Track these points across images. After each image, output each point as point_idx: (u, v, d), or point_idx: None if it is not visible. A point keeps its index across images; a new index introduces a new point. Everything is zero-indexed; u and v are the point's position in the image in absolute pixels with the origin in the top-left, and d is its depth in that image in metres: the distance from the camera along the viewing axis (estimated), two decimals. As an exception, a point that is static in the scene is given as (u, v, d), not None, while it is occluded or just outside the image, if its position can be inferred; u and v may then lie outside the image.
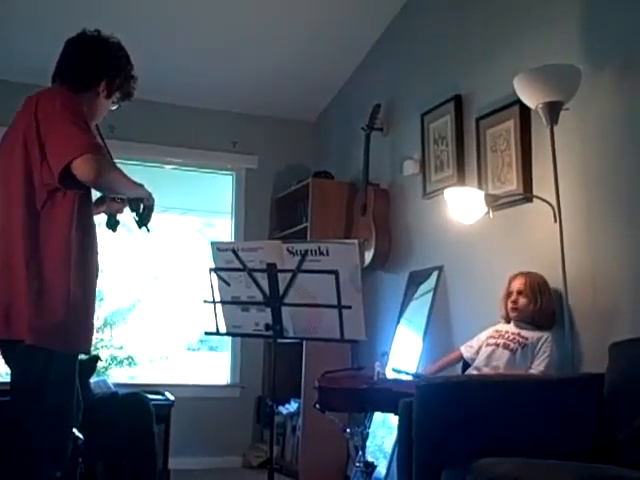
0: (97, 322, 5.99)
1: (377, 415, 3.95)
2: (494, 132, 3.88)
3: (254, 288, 2.69)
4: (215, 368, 6.09)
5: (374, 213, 4.90)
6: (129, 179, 2.56)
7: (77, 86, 2.55)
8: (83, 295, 2.41)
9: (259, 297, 2.70)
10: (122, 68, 2.68)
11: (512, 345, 3.29)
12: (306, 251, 2.56)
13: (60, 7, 4.56)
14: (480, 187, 3.88)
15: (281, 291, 2.65)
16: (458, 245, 4.11)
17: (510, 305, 3.37)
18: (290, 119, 6.22)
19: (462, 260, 4.11)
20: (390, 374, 3.52)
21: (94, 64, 2.61)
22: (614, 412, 2.61)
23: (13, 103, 2.61)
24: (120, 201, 2.73)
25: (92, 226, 2.52)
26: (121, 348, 6.17)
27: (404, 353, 4.28)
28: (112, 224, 2.76)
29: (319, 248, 2.54)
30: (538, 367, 3.19)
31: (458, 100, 4.26)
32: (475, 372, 3.38)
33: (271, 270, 2.63)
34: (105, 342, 6.12)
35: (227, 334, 2.88)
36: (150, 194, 2.67)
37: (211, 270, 2.76)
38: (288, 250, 2.59)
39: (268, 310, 2.70)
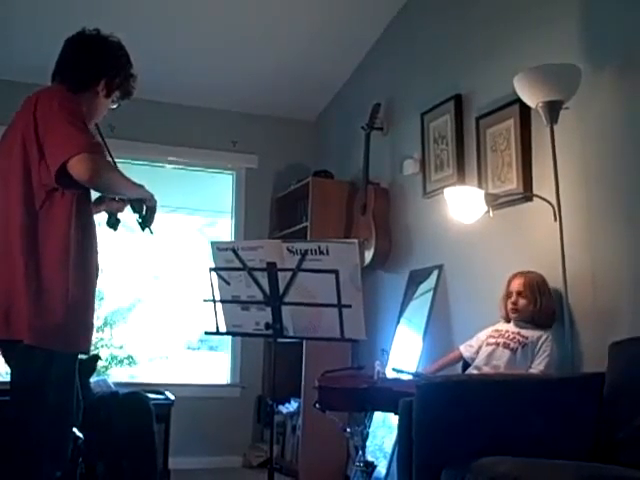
0: (97, 321, 5.99)
1: (377, 415, 3.95)
2: (494, 131, 3.88)
3: (254, 287, 2.69)
4: (215, 367, 6.09)
5: (374, 212, 4.89)
6: (128, 180, 2.55)
7: (76, 85, 2.55)
8: (83, 295, 2.41)
9: (259, 296, 2.70)
10: (121, 67, 2.68)
11: (512, 344, 3.29)
12: (306, 250, 2.56)
13: (60, 7, 4.56)
14: (480, 186, 3.88)
15: (281, 290, 2.65)
16: (458, 244, 4.11)
17: (510, 306, 3.37)
18: (290, 118, 6.22)
19: (462, 259, 4.11)
20: (390, 373, 3.52)
21: (93, 63, 2.60)
22: (614, 411, 2.61)
23: (13, 102, 2.60)
24: (120, 200, 2.73)
25: (91, 225, 2.52)
26: (121, 347, 6.17)
27: (404, 352, 4.28)
28: (113, 223, 2.75)
29: (319, 247, 2.54)
30: (538, 366, 3.19)
31: (458, 99, 4.26)
32: (475, 371, 3.38)
33: (271, 269, 2.64)
34: (105, 341, 6.12)
35: (227, 333, 2.89)
36: (152, 195, 2.65)
37: (211, 269, 2.76)
38: (288, 249, 2.59)
39: (268, 309, 2.70)
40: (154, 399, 4.50)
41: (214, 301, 2.78)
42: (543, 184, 3.48)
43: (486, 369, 3.33)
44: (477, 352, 3.48)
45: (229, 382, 5.89)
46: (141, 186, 2.61)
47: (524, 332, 3.30)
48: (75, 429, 2.55)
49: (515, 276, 3.40)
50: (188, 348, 6.43)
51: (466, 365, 3.57)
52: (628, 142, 3.13)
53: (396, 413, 2.84)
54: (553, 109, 3.14)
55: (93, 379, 4.44)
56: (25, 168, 2.39)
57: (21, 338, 2.31)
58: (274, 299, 2.67)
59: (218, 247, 2.76)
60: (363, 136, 5.03)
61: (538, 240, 3.51)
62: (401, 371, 3.52)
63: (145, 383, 5.32)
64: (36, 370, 2.33)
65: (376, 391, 3.04)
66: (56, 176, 2.31)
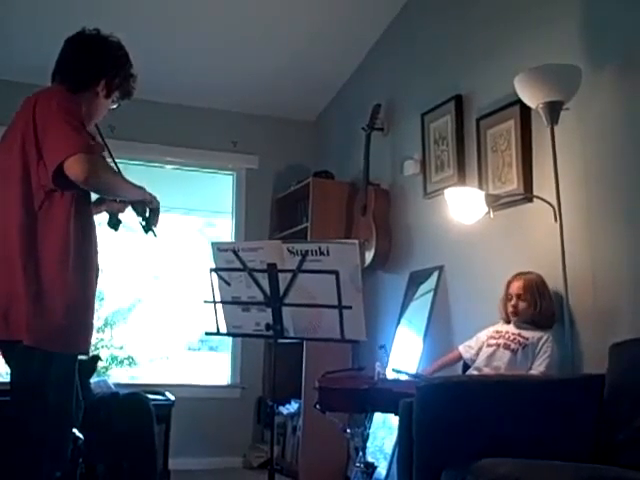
0: (97, 322, 5.99)
1: (377, 416, 3.94)
2: (494, 132, 3.88)
3: (254, 288, 2.69)
4: (215, 368, 6.08)
5: (374, 213, 4.89)
6: (127, 182, 2.54)
7: (76, 85, 2.54)
8: (82, 295, 2.41)
9: (259, 297, 2.70)
10: (121, 67, 2.67)
11: (513, 345, 3.29)
12: (306, 251, 2.56)
13: (60, 7, 4.55)
14: (480, 187, 3.88)
15: (281, 291, 2.64)
16: (458, 245, 4.11)
17: (510, 309, 3.37)
18: (290, 119, 6.22)
19: (462, 260, 4.11)
20: (390, 372, 3.52)
21: (93, 63, 2.60)
22: (614, 413, 2.61)
23: (13, 102, 2.60)
24: (121, 201, 2.72)
25: (91, 226, 2.51)
26: (121, 348, 6.17)
27: (405, 353, 4.28)
28: (114, 223, 2.74)
29: (319, 248, 2.54)
30: (538, 367, 3.19)
31: (458, 100, 4.26)
32: (476, 372, 3.37)
33: (271, 270, 2.63)
34: (105, 342, 6.12)
35: (227, 334, 2.88)
36: (154, 197, 2.64)
37: (211, 270, 2.76)
38: (288, 250, 2.59)
39: (268, 310, 2.69)
40: (154, 400, 4.49)
41: (214, 302, 2.77)
42: (543, 185, 3.48)
43: (487, 370, 3.32)
44: (477, 353, 3.48)
45: (229, 383, 5.89)
46: (141, 188, 2.60)
47: (524, 333, 3.30)
48: (75, 430, 2.54)
49: (514, 278, 3.39)
50: (188, 349, 6.42)
51: (466, 366, 3.56)
52: (628, 142, 3.13)
53: (396, 414, 2.84)
54: (553, 110, 3.14)
55: (93, 380, 4.43)
56: (24, 169, 2.39)
57: (20, 339, 2.30)
58: (274, 300, 2.67)
59: (219, 248, 2.76)
60: (363, 137, 5.03)
61: (538, 241, 3.51)
62: (401, 372, 3.52)
63: (145, 384, 5.32)
64: (36, 370, 2.32)
65: (376, 392, 3.03)
66: (53, 177, 2.31)
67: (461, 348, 3.60)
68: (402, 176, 4.77)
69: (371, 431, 3.47)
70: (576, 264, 3.22)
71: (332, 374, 3.35)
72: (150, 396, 4.44)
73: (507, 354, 3.28)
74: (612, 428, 2.58)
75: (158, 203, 2.66)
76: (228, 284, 2.75)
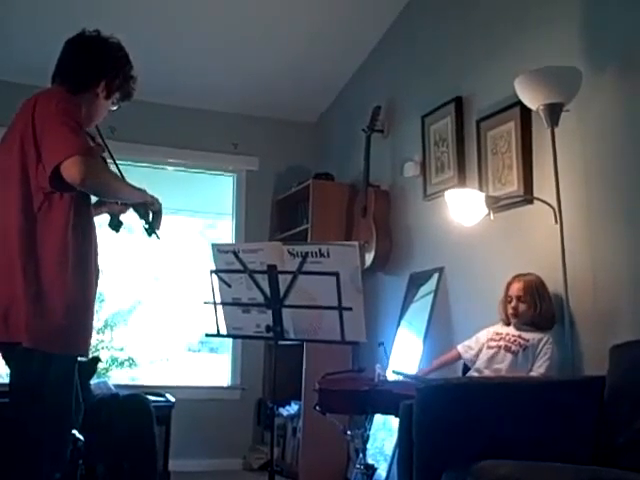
0: (98, 323, 6.00)
1: (377, 417, 3.94)
2: (495, 134, 3.88)
3: (255, 290, 2.69)
4: (216, 370, 6.08)
5: (375, 215, 4.89)
6: (126, 184, 2.54)
7: (76, 86, 2.54)
8: (82, 296, 2.41)
9: (260, 299, 2.70)
10: (121, 68, 2.67)
11: (514, 347, 3.28)
12: (307, 253, 2.56)
13: (60, 7, 4.56)
14: (481, 189, 3.88)
15: (282, 293, 2.65)
16: (459, 247, 4.11)
17: (510, 311, 3.36)
18: (291, 120, 6.22)
19: (463, 262, 4.11)
20: (391, 375, 3.52)
21: (93, 64, 2.60)
22: (615, 415, 2.60)
23: (13, 104, 2.60)
24: (122, 203, 2.71)
25: (91, 227, 2.51)
26: (122, 349, 6.17)
27: (405, 355, 4.27)
28: (115, 225, 2.73)
29: (320, 250, 2.54)
30: (539, 369, 3.19)
31: (459, 102, 4.26)
32: (476, 374, 3.37)
33: (272, 272, 2.63)
34: (106, 343, 6.12)
35: (228, 336, 2.89)
36: (156, 199, 2.63)
37: (212, 272, 2.76)
38: (289, 252, 2.59)
39: (269, 312, 2.69)
40: (154, 401, 4.49)
41: (215, 303, 2.78)
42: (544, 186, 3.48)
43: (487, 372, 3.32)
44: (477, 354, 3.48)
45: (229, 384, 5.88)
46: (142, 190, 2.59)
47: (525, 335, 3.29)
48: (75, 431, 2.55)
49: (514, 279, 3.39)
50: (189, 350, 6.43)
51: (466, 368, 3.56)
52: (629, 143, 3.13)
53: (397, 416, 2.84)
54: (554, 111, 3.14)
55: (93, 381, 4.44)
56: (23, 170, 2.39)
57: (20, 340, 2.30)
58: (275, 301, 2.67)
59: (219, 249, 2.76)
60: (364, 138, 5.03)
61: (539, 242, 3.50)
62: (400, 373, 3.52)
63: (145, 385, 5.33)
64: (35, 371, 2.32)
65: (377, 394, 3.04)
66: (51, 178, 2.30)
67: (460, 348, 3.60)
68: (402, 178, 4.77)
69: (371, 433, 3.48)
70: (576, 265, 3.22)
71: (332, 375, 3.35)
72: (150, 397, 4.44)
73: (508, 356, 3.28)
74: (612, 430, 2.58)
75: (160, 205, 2.65)
76: (228, 285, 2.75)
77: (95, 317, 2.51)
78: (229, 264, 2.72)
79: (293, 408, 5.29)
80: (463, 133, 4.23)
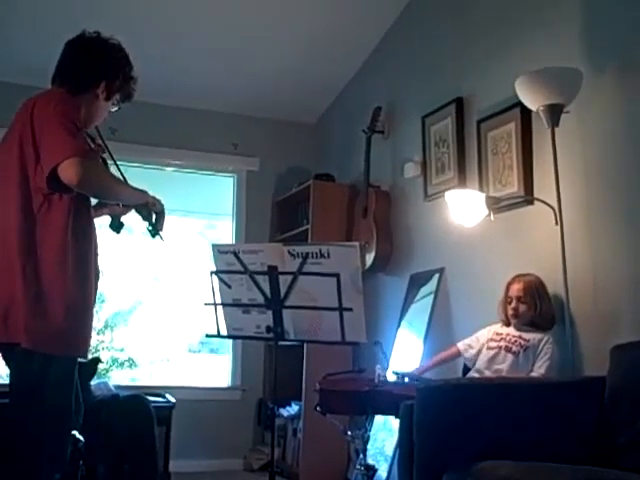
0: (98, 324, 6.00)
1: (378, 418, 3.94)
2: (495, 134, 3.88)
3: (255, 290, 2.69)
4: (216, 370, 6.08)
5: (375, 215, 4.89)
6: (126, 185, 2.54)
7: (76, 87, 2.54)
8: (82, 298, 2.41)
9: (260, 299, 2.70)
10: (122, 69, 2.67)
11: (514, 348, 3.29)
12: (307, 254, 2.56)
13: (60, 7, 4.56)
14: (481, 189, 3.88)
15: (282, 293, 2.65)
16: (459, 247, 4.11)
17: (510, 312, 3.36)
18: (291, 121, 6.22)
19: (463, 262, 4.11)
20: (391, 376, 3.52)
21: (94, 66, 2.60)
22: (615, 415, 2.60)
23: (12, 104, 2.60)
24: (124, 205, 2.71)
25: (90, 228, 2.51)
26: (122, 350, 6.17)
27: (405, 356, 4.27)
28: (116, 226, 2.73)
29: (320, 251, 2.54)
30: (539, 370, 3.19)
31: (459, 102, 4.26)
32: (477, 375, 3.37)
33: (272, 272, 2.63)
34: (106, 344, 6.12)
35: (228, 336, 2.88)
36: (158, 200, 2.63)
37: (212, 272, 2.76)
38: (289, 252, 2.59)
39: (269, 312, 2.69)
40: (155, 402, 4.50)
41: (215, 304, 2.78)
42: (544, 187, 3.47)
43: (488, 373, 3.32)
44: (477, 354, 3.48)
45: (230, 385, 5.88)
46: (143, 191, 2.59)
47: (525, 335, 3.30)
48: (76, 432, 2.55)
49: (514, 280, 3.39)
50: (189, 351, 6.43)
51: (466, 369, 3.56)
52: (629, 144, 3.13)
53: (397, 416, 2.84)
54: (554, 112, 3.14)
55: (94, 382, 4.44)
56: (23, 170, 2.39)
57: (19, 341, 2.30)
58: (275, 302, 2.67)
59: (219, 250, 2.76)
60: (364, 139, 5.03)
61: (539, 243, 3.51)
62: (398, 373, 3.52)
63: (146, 386, 5.33)
64: (35, 372, 2.33)
65: (377, 394, 3.04)
66: (49, 180, 2.30)
67: (460, 345, 3.60)
68: (403, 178, 4.77)
69: (372, 433, 3.47)
70: (577, 266, 3.22)
71: (333, 376, 3.35)
72: (150, 398, 4.44)
73: (509, 357, 3.28)
74: (613, 431, 2.58)
75: (162, 206, 2.64)
76: (229, 286, 2.75)
77: (95, 318, 2.51)
78: (229, 265, 2.72)
79: (293, 409, 5.29)
80: (463, 134, 4.23)
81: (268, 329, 2.70)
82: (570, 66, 3.19)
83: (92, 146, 2.53)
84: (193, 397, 5.51)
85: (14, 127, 2.47)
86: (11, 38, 4.89)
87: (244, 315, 2.77)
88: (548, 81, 3.13)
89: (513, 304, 3.34)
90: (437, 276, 4.28)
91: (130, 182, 2.62)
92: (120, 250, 5.40)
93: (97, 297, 2.57)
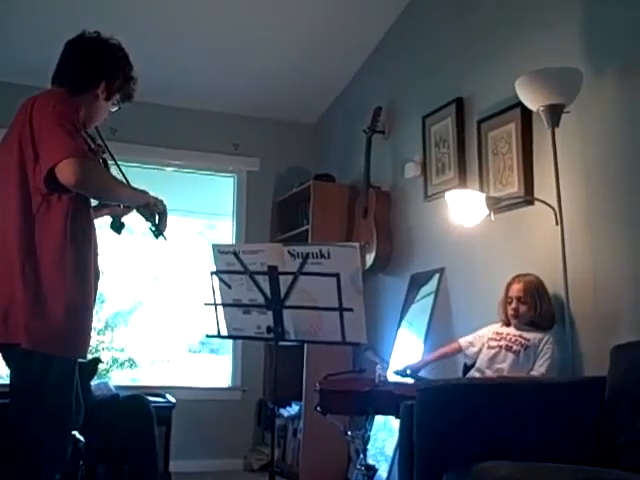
0: (98, 324, 6.00)
1: (378, 418, 3.94)
2: (495, 135, 3.88)
3: (255, 291, 2.69)
4: (216, 371, 6.08)
5: (375, 216, 4.89)
6: (125, 186, 2.53)
7: (76, 88, 2.53)
8: (82, 298, 2.40)
9: (260, 300, 2.70)
10: (122, 69, 2.66)
11: (515, 347, 3.29)
12: (307, 254, 2.56)
13: (60, 7, 4.56)
14: (481, 190, 3.88)
15: (282, 294, 2.65)
16: (459, 248, 4.11)
17: (511, 312, 3.37)
18: (291, 121, 6.22)
19: (463, 262, 4.11)
20: (391, 376, 3.52)
21: (93, 66, 2.59)
22: (615, 415, 2.61)
23: (13, 104, 2.59)
24: (125, 206, 2.70)
25: (90, 228, 2.50)
26: (122, 350, 6.17)
27: (405, 356, 4.27)
28: (117, 227, 2.72)
29: (320, 251, 2.54)
30: (539, 369, 3.19)
31: (459, 103, 4.26)
32: (478, 375, 3.37)
33: (272, 273, 2.63)
34: (106, 344, 6.12)
35: (228, 337, 2.88)
36: (159, 200, 2.61)
37: (212, 273, 2.76)
38: (289, 253, 2.59)
39: (269, 313, 2.70)
40: (155, 402, 4.50)
41: (215, 304, 2.78)
42: (544, 187, 3.47)
43: (489, 372, 3.32)
44: (478, 352, 3.48)
45: (230, 385, 5.89)
46: (144, 191, 2.58)
47: (526, 335, 3.30)
48: (76, 432, 2.55)
49: (514, 280, 3.39)
50: (189, 351, 6.42)
51: (467, 368, 3.56)
52: (629, 144, 3.13)
53: (397, 416, 2.84)
54: (554, 112, 3.14)
55: (94, 382, 4.44)
56: (22, 170, 2.38)
57: (19, 342, 2.30)
58: (275, 303, 2.67)
59: (219, 250, 2.76)
60: (364, 139, 5.03)
61: (539, 244, 3.51)
62: (397, 373, 3.53)
63: (146, 386, 5.33)
64: (35, 372, 2.32)
65: (377, 394, 3.04)
66: (47, 180, 2.30)
67: (462, 342, 3.60)
68: (403, 179, 4.77)
69: (372, 433, 3.47)
70: (577, 266, 3.22)
71: (333, 376, 3.35)
72: (151, 398, 4.44)
73: (510, 356, 3.29)
74: (613, 431, 2.58)
75: (164, 206, 2.63)
76: (229, 287, 2.75)
77: (95, 318, 2.51)
78: (230, 265, 2.72)
79: (294, 409, 5.29)
80: (464, 134, 4.23)
81: (268, 329, 2.70)
82: (570, 66, 3.20)
83: (92, 146, 2.53)
84: (193, 397, 5.51)
85: (14, 127, 2.47)
86: (11, 38, 4.89)
87: (244, 315, 2.77)
88: (548, 81, 3.13)
89: (513, 304, 3.35)
90: (437, 276, 4.28)
91: (132, 183, 2.62)
92: (120, 250, 5.39)
93: (97, 297, 2.57)
